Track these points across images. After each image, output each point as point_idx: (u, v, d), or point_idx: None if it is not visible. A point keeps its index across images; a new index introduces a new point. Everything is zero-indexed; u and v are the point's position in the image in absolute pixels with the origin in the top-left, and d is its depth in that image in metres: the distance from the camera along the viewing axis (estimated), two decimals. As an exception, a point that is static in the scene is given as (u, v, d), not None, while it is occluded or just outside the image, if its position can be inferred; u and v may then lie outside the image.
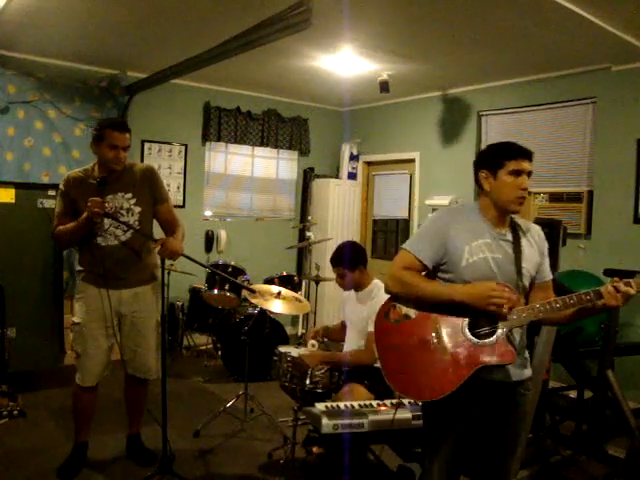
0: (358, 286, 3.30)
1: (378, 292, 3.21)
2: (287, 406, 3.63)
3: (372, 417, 2.57)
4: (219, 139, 6.31)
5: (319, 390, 3.08)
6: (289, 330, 5.79)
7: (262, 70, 5.46)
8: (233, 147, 6.55)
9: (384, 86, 5.32)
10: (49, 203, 4.48)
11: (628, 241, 4.56)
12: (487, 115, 5.70)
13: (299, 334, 6.37)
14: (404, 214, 6.65)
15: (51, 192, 4.49)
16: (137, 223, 3.08)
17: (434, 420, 2.10)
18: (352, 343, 3.31)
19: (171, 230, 3.16)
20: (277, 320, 4.98)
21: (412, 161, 6.45)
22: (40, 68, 5.12)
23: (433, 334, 2.00)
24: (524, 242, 2.08)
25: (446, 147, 6.06)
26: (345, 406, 2.70)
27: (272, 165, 6.90)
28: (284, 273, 5.36)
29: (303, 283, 5.97)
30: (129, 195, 3.09)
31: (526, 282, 2.06)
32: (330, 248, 4.46)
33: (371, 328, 3.10)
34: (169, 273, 5.20)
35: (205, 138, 6.28)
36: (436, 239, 2.03)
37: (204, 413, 3.96)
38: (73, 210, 3.02)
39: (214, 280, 4.93)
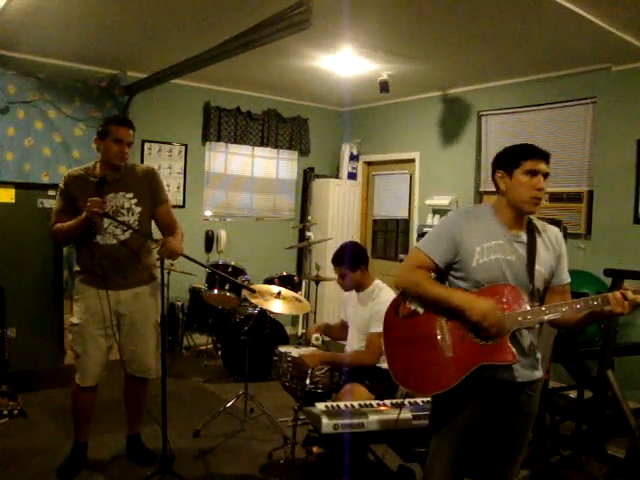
0: (359, 287, 3.30)
1: (379, 293, 3.21)
2: (287, 406, 3.63)
3: (372, 417, 2.57)
4: (219, 139, 6.31)
5: (319, 390, 3.08)
6: (289, 330, 5.79)
7: (262, 70, 5.46)
8: (233, 147, 6.55)
9: (384, 86, 5.32)
10: (49, 203, 4.48)
11: (628, 241, 4.57)
12: (487, 115, 5.70)
13: (299, 334, 6.37)
14: (404, 214, 6.65)
15: (51, 192, 4.49)
16: (137, 223, 3.08)
17: (439, 418, 2.11)
18: (353, 343, 3.31)
19: (169, 232, 3.16)
20: (277, 320, 4.98)
21: (412, 161, 6.45)
22: (40, 68, 5.12)
23: (438, 331, 2.03)
24: (540, 244, 2.07)
25: (446, 147, 6.05)
26: (345, 406, 2.69)
27: (272, 165, 6.90)
28: (284, 273, 5.36)
29: (303, 283, 5.97)
30: (130, 195, 3.09)
31: (539, 285, 2.05)
32: (330, 248, 4.48)
33: (372, 329, 3.11)
34: (169, 273, 5.20)
35: (205, 138, 6.28)
36: (448, 239, 2.05)
37: (204, 413, 3.95)
38: (73, 208, 3.02)
39: (214, 280, 4.93)
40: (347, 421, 2.53)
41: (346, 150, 7.04)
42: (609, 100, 4.73)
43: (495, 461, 2.12)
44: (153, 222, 3.24)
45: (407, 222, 6.59)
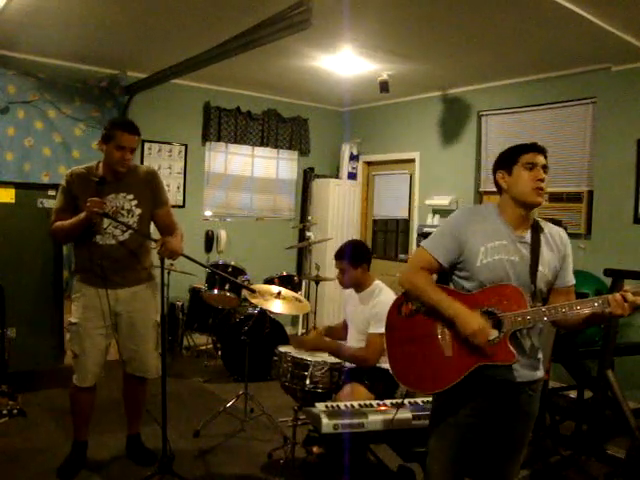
0: (358, 285, 3.30)
1: (380, 293, 3.21)
2: (287, 406, 3.63)
3: (372, 417, 2.57)
4: (219, 139, 6.31)
5: (319, 390, 3.08)
6: (289, 330, 5.79)
7: (262, 70, 5.46)
8: (233, 147, 6.55)
9: (384, 86, 5.32)
10: (49, 203, 4.47)
11: (628, 241, 4.56)
12: (487, 115, 5.70)
13: (299, 334, 6.37)
14: (404, 214, 6.65)
15: (51, 192, 4.49)
16: (136, 224, 3.08)
17: (439, 416, 2.11)
18: (353, 343, 3.30)
19: (168, 233, 3.15)
20: (277, 320, 4.98)
21: (412, 161, 6.44)
22: (40, 68, 5.13)
23: (439, 330, 2.06)
24: (544, 245, 2.07)
25: (446, 147, 6.05)
26: (345, 406, 2.69)
27: (272, 165, 6.90)
28: (284, 273, 5.36)
29: (303, 283, 5.97)
30: (131, 196, 3.09)
31: (541, 286, 2.05)
32: (330, 248, 4.48)
33: (371, 329, 3.10)
34: (169, 273, 5.20)
35: (205, 138, 6.28)
36: (453, 239, 2.06)
37: (204, 413, 3.96)
38: (74, 207, 3.02)
39: (214, 280, 4.93)
40: (347, 421, 2.53)
41: (346, 150, 7.04)
42: (609, 100, 4.73)
43: (495, 461, 2.12)
44: (152, 223, 3.24)
45: (407, 222, 6.59)
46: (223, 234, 6.36)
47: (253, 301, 3.52)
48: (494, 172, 2.14)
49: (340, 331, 3.58)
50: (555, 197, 5.06)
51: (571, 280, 2.14)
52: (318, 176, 7.08)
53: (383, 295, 3.16)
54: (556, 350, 3.28)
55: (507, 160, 2.09)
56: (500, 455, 2.11)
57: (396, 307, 2.18)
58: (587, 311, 1.92)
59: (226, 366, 5.03)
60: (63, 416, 3.65)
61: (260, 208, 6.83)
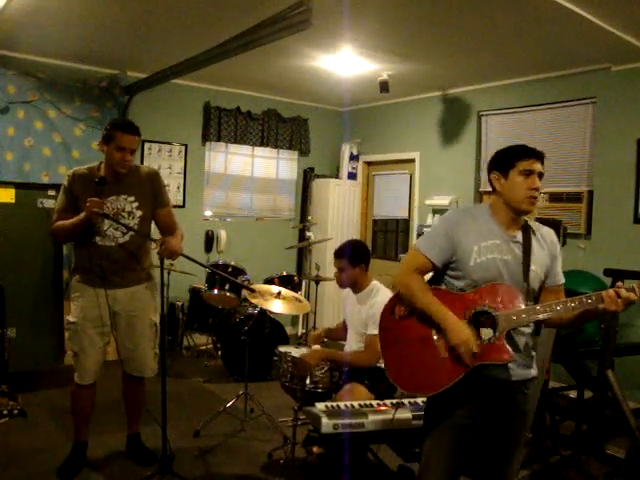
0: (355, 286, 3.29)
1: (377, 293, 3.20)
2: (287, 406, 3.63)
3: (372, 417, 2.57)
4: (219, 139, 6.31)
5: (319, 390, 3.08)
6: (289, 330, 5.79)
7: (262, 70, 5.46)
8: (233, 147, 6.55)
9: (384, 86, 5.32)
10: (49, 203, 4.48)
11: (628, 241, 4.56)
12: (487, 115, 5.70)
13: (299, 334, 6.38)
14: (404, 214, 6.65)
15: (51, 192, 4.50)
16: (137, 226, 3.09)
17: (435, 417, 2.11)
18: (352, 343, 3.31)
19: (169, 233, 3.16)
20: (277, 320, 4.98)
21: (412, 161, 6.44)
22: (40, 68, 5.12)
23: (434, 331, 2.05)
24: (535, 244, 2.09)
25: (446, 147, 6.06)
26: (345, 406, 2.69)
27: (272, 165, 6.90)
28: (284, 273, 5.36)
29: (303, 283, 5.97)
30: (132, 198, 3.09)
31: (534, 284, 2.07)
32: (330, 248, 4.47)
33: (370, 330, 3.10)
34: (169, 273, 5.20)
35: (205, 138, 6.28)
36: (446, 239, 2.06)
37: (204, 413, 3.96)
38: (75, 207, 3.02)
39: (214, 280, 4.93)
40: (347, 421, 2.53)
41: (346, 150, 7.04)
42: (609, 100, 4.72)
43: (492, 460, 2.12)
44: (153, 223, 3.24)
45: (407, 222, 6.59)
46: (223, 234, 6.36)
47: (253, 301, 3.53)
48: (489, 171, 2.14)
49: (339, 332, 3.58)
50: (555, 197, 5.06)
51: (561, 279, 2.16)
52: (318, 176, 7.08)
53: (380, 296, 3.15)
54: (556, 350, 3.28)
55: (504, 162, 2.08)
56: (497, 455, 2.11)
57: (389, 308, 2.17)
58: (581, 308, 1.93)
59: (226, 366, 5.03)
60: (63, 416, 3.65)
61: (260, 208, 6.83)
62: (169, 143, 6.07)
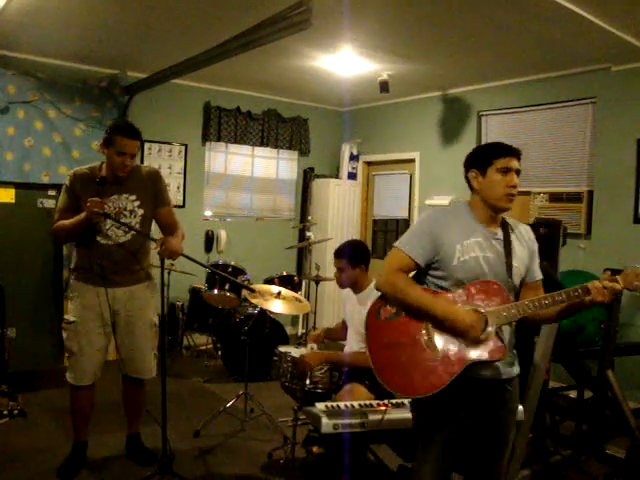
0: (355, 286, 3.29)
1: (377, 294, 3.20)
2: (287, 406, 3.63)
3: (372, 417, 2.57)
4: (219, 139, 6.31)
5: (319, 390, 3.08)
6: (289, 330, 5.79)
7: (262, 70, 5.46)
8: (233, 147, 6.55)
9: (384, 86, 5.32)
10: (49, 203, 4.48)
11: (628, 241, 4.56)
12: (487, 115, 5.70)
13: (299, 334, 6.38)
14: (404, 214, 6.65)
15: (51, 192, 4.50)
16: (138, 226, 3.09)
17: (424, 418, 2.11)
18: (352, 343, 3.30)
19: (170, 232, 3.17)
20: (277, 320, 4.98)
21: (412, 161, 6.45)
22: (40, 68, 5.12)
23: (423, 332, 2.02)
24: (514, 241, 2.11)
25: (446, 147, 6.06)
26: (345, 406, 2.69)
27: (272, 165, 6.90)
28: (284, 273, 5.36)
29: (303, 283, 5.97)
30: (133, 197, 3.10)
31: (516, 280, 2.08)
32: (330, 248, 4.47)
33: (370, 330, 3.10)
34: (169, 273, 5.20)
35: (205, 138, 6.28)
36: (429, 238, 2.05)
37: (204, 413, 3.96)
38: (77, 207, 3.02)
39: (214, 280, 4.93)
40: (347, 421, 2.53)
41: (346, 150, 7.04)
42: (609, 100, 4.73)
43: (482, 459, 2.12)
44: (154, 222, 3.25)
45: (407, 222, 6.58)
46: (223, 234, 6.36)
47: (253, 301, 3.52)
48: (466, 169, 2.14)
49: (339, 332, 3.58)
50: (555, 197, 5.06)
51: (539, 275, 2.18)
52: (318, 176, 7.08)
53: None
54: (556, 350, 3.28)
55: (482, 161, 2.08)
56: (487, 453, 2.11)
57: (374, 312, 2.13)
58: (568, 301, 1.94)
59: (226, 366, 5.03)
60: (63, 416, 3.65)
61: (260, 208, 6.83)
62: (169, 143, 6.07)
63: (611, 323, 3.34)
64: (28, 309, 4.47)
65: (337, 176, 7.10)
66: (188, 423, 3.88)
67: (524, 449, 3.05)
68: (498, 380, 2.05)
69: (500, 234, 2.09)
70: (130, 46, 4.82)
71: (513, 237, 2.11)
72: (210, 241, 6.33)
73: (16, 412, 3.29)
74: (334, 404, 2.72)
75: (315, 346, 3.35)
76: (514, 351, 2.14)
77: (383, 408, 2.67)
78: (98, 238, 3.04)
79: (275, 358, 3.29)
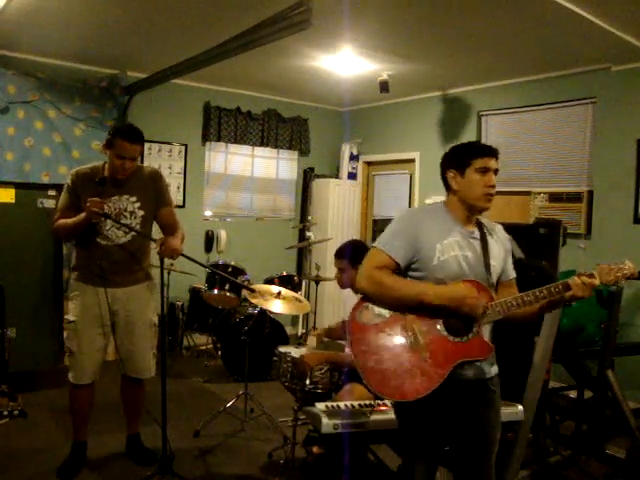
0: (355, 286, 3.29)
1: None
2: (287, 406, 3.63)
3: (372, 417, 2.57)
4: (219, 139, 6.31)
5: (319, 390, 3.07)
6: (289, 330, 5.79)
7: (262, 70, 5.46)
8: (233, 147, 6.55)
9: (384, 86, 5.32)
10: (49, 203, 4.48)
11: (628, 241, 4.56)
12: (487, 115, 5.70)
13: (299, 334, 6.37)
14: (404, 214, 6.64)
15: (51, 192, 4.49)
16: (139, 226, 3.10)
17: (408, 421, 2.10)
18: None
19: (170, 232, 3.17)
20: (277, 320, 4.98)
21: (412, 161, 6.45)
22: (40, 68, 5.13)
23: (409, 333, 2.00)
24: (490, 240, 2.12)
25: (446, 147, 5.93)
26: (345, 406, 2.69)
27: (272, 165, 6.90)
28: (284, 273, 5.36)
29: (303, 283, 5.97)
30: (134, 198, 3.10)
31: (494, 279, 2.10)
32: (330, 248, 4.49)
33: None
34: (169, 273, 5.20)
35: (205, 138, 6.28)
36: (408, 237, 2.04)
37: (204, 413, 3.96)
38: (78, 206, 3.02)
39: (214, 280, 4.93)
40: (347, 421, 2.53)
41: (346, 150, 7.04)
42: (609, 100, 4.72)
43: (472, 460, 2.11)
44: (155, 222, 3.25)
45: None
46: (223, 234, 6.36)
47: (253, 301, 3.52)
48: (444, 169, 2.14)
49: (339, 331, 3.58)
50: (555, 197, 5.05)
51: (513, 274, 2.20)
52: (318, 176, 7.08)
53: None
54: (556, 350, 3.28)
55: (460, 161, 2.08)
56: (476, 454, 2.10)
57: (355, 315, 2.07)
58: (549, 297, 1.96)
59: (226, 366, 5.03)
60: (63, 416, 3.65)
61: (260, 208, 6.83)
62: (169, 143, 6.07)
63: (611, 323, 3.34)
64: (28, 309, 4.47)
65: (337, 176, 7.10)
66: (188, 423, 3.88)
67: (524, 449, 3.04)
68: (482, 380, 2.05)
69: (477, 233, 2.10)
70: (130, 46, 4.82)
71: (488, 236, 2.12)
72: (210, 241, 6.33)
73: (16, 412, 3.29)
74: (334, 404, 2.72)
75: (314, 344, 3.35)
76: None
77: (383, 408, 2.67)
78: (98, 239, 3.04)
79: (275, 358, 3.29)
